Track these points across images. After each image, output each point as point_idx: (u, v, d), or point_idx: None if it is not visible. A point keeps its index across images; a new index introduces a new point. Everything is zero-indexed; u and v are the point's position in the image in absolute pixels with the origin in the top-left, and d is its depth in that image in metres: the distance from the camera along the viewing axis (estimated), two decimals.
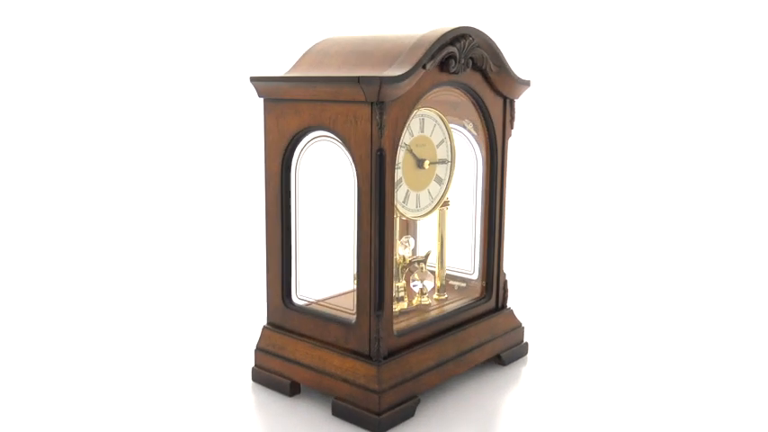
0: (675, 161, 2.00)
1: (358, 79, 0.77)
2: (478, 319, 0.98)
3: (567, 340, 1.11)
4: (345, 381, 0.84)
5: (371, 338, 0.83)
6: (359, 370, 0.83)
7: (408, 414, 0.85)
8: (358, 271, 0.83)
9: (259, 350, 0.94)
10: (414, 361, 0.87)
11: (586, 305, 1.29)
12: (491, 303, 1.01)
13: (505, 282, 1.03)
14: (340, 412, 0.84)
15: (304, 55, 0.93)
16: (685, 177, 1.98)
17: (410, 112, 0.83)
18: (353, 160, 0.82)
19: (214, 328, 1.15)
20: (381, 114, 0.78)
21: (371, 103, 0.78)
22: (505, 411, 0.88)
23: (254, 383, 0.94)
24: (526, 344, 1.05)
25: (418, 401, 0.86)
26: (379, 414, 0.81)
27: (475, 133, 0.99)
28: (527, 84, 0.97)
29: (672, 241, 1.73)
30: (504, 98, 0.97)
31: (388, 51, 0.84)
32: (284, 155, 0.89)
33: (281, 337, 0.92)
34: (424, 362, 0.88)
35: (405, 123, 0.82)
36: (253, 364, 0.96)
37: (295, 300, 0.93)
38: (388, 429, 0.82)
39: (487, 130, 0.96)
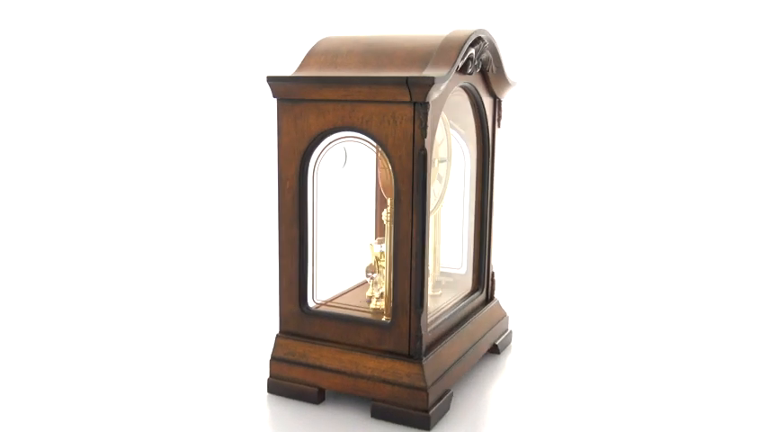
0: (657, 157, 2.03)
1: (406, 80, 0.77)
2: (476, 311, 1.02)
3: (544, 327, 1.17)
4: (385, 382, 0.84)
5: (412, 336, 0.83)
6: (400, 369, 0.84)
7: (446, 408, 0.86)
8: (395, 271, 0.83)
9: (275, 360, 0.90)
10: (445, 355, 0.88)
11: (563, 295, 1.36)
12: (483, 296, 1.05)
13: (492, 274, 1.07)
14: (382, 414, 0.84)
15: (309, 55, 0.90)
16: (667, 173, 2.02)
17: (440, 112, 0.84)
18: (391, 161, 0.82)
19: (209, 339, 1.10)
20: (425, 115, 0.79)
21: (414, 104, 0.79)
22: (514, 399, 0.91)
23: (270, 395, 0.91)
24: (511, 332, 1.10)
25: (452, 395, 0.88)
26: (427, 411, 0.82)
27: (463, 131, 1.02)
28: (513, 84, 1.02)
29: (651, 235, 1.80)
30: (494, 98, 1.01)
31: (412, 52, 0.84)
32: (302, 157, 0.86)
33: (302, 345, 0.89)
34: (453, 356, 0.90)
35: (437, 123, 0.84)
36: (267, 376, 0.93)
37: (312, 305, 0.91)
38: (434, 425, 0.83)
39: (482, 129, 1.00)
